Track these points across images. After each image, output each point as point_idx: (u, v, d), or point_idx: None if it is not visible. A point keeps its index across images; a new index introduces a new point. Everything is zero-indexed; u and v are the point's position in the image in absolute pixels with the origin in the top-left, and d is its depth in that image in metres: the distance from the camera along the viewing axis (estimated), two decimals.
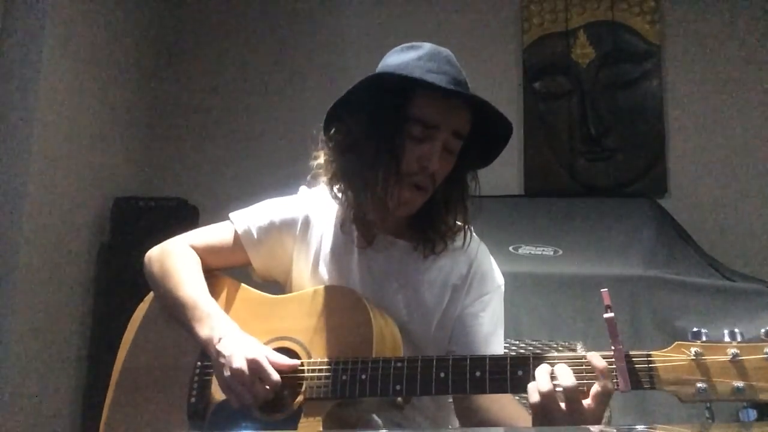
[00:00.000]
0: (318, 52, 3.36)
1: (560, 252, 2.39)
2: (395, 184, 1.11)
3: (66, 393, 2.76)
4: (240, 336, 1.09)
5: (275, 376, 1.02)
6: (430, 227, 1.19)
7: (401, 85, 1.10)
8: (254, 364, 1.02)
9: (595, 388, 0.88)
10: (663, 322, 2.12)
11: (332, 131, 1.18)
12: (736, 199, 2.89)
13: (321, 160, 1.22)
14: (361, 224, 1.18)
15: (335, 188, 1.20)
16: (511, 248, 2.40)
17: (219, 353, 1.06)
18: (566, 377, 0.88)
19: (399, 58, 1.15)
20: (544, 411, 0.88)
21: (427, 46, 1.16)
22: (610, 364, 0.88)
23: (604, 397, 0.88)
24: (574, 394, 0.87)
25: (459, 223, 1.22)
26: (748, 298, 2.11)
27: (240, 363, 1.02)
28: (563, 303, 2.14)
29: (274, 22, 3.52)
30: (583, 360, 0.90)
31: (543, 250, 2.40)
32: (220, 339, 1.08)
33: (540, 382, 0.89)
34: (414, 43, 1.18)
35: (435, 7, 3.34)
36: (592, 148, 3.06)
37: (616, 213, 2.68)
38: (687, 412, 1.87)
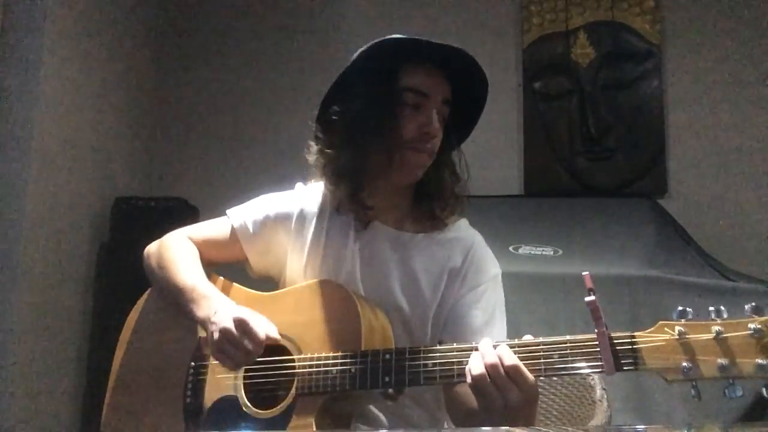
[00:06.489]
0: (318, 53, 3.36)
1: (560, 252, 2.39)
2: (398, 151, 1.15)
3: (66, 393, 2.76)
4: (235, 306, 1.12)
5: (261, 334, 1.05)
6: (432, 202, 1.22)
7: (389, 63, 1.15)
8: (241, 322, 1.05)
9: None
10: None
11: (327, 117, 1.20)
12: (736, 199, 2.89)
13: (315, 150, 1.24)
14: (359, 206, 1.20)
15: (332, 174, 1.21)
16: (511, 248, 2.40)
17: (212, 323, 1.09)
18: (489, 356, 0.92)
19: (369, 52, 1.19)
20: (477, 390, 0.92)
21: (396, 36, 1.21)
22: (594, 347, 0.89)
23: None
24: (495, 370, 0.90)
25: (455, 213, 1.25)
26: (748, 298, 2.09)
27: (227, 323, 1.06)
28: (563, 303, 2.13)
29: (275, 22, 3.52)
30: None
31: (543, 250, 2.40)
32: (215, 312, 1.10)
33: (472, 364, 0.93)
34: (380, 39, 1.22)
35: (434, 7, 3.34)
36: (592, 148, 3.06)
37: (616, 213, 2.68)
38: (686, 411, 1.88)
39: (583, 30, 3.15)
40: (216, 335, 1.07)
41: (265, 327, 1.07)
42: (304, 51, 3.43)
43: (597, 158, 3.05)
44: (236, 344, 1.05)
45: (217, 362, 1.12)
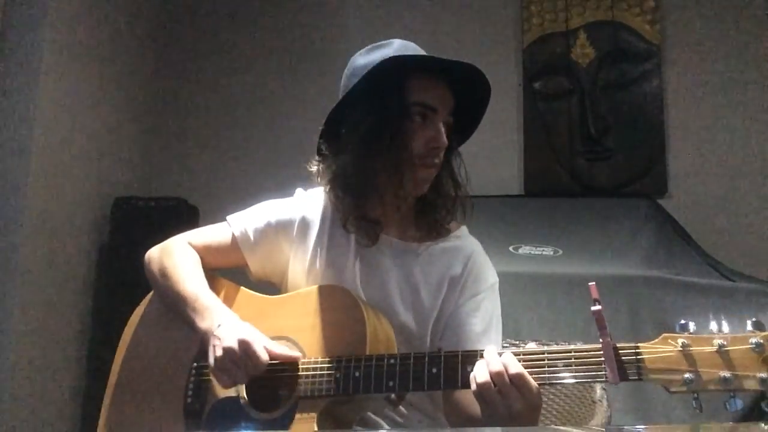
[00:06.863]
0: (318, 54, 3.36)
1: (560, 252, 2.39)
2: (406, 166, 1.16)
3: (66, 393, 2.76)
4: (238, 323, 1.11)
5: (264, 357, 1.05)
6: (434, 209, 1.23)
7: (396, 77, 1.14)
8: (245, 344, 1.05)
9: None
10: (663, 323, 2.11)
11: (332, 134, 1.20)
12: (736, 199, 2.89)
13: (320, 166, 1.24)
14: (366, 222, 1.20)
15: (339, 188, 1.21)
16: (511, 248, 2.40)
17: (215, 337, 1.08)
18: (494, 364, 0.92)
19: (369, 58, 1.19)
20: (481, 398, 0.92)
21: (397, 42, 1.21)
22: (599, 356, 0.90)
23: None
24: (500, 378, 0.91)
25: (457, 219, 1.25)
26: (748, 298, 2.11)
27: (231, 342, 1.05)
28: (563, 303, 2.13)
29: (275, 22, 3.52)
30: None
31: (543, 250, 2.40)
32: (219, 326, 1.10)
33: (477, 372, 0.93)
34: (380, 42, 1.22)
35: (435, 7, 3.34)
36: (592, 148, 3.06)
37: (616, 213, 2.68)
38: (686, 411, 1.88)
39: (583, 30, 3.15)
40: (219, 352, 1.06)
41: (269, 348, 1.07)
42: (305, 52, 3.43)
43: (597, 158, 3.05)
44: (238, 364, 1.05)
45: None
